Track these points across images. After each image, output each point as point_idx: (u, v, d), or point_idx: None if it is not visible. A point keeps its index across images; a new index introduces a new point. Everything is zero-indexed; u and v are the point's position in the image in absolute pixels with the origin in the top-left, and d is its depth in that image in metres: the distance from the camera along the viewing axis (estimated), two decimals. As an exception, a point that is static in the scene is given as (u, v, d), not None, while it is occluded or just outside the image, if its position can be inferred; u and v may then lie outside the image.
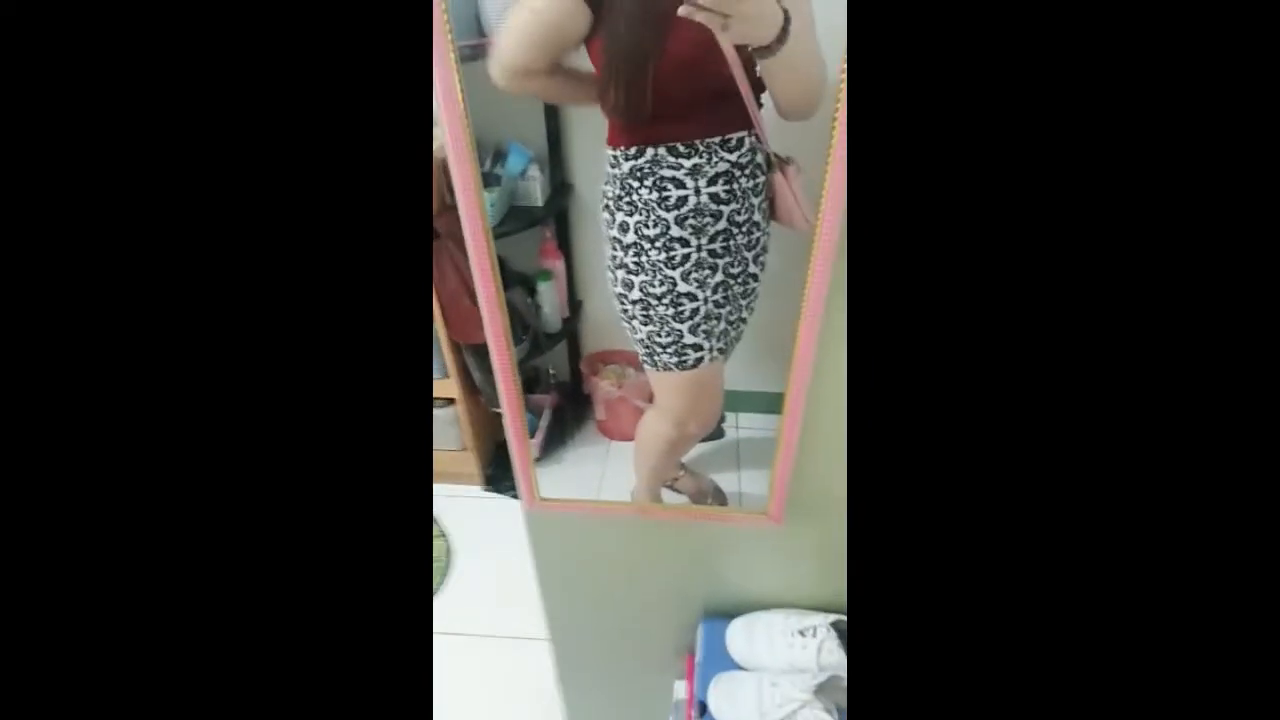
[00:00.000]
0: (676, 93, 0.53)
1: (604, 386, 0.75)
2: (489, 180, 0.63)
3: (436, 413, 1.78)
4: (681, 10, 0.44)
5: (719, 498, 0.77)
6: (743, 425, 0.71)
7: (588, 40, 0.50)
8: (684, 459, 0.76)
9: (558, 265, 0.70)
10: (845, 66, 0.45)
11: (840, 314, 0.60)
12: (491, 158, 0.63)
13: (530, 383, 0.80)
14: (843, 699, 0.78)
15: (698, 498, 0.78)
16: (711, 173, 0.56)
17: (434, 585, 1.71)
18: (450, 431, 1.83)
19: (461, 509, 1.89)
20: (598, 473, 0.79)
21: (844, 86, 0.45)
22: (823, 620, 0.83)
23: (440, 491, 1.91)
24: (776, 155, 0.56)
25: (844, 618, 0.83)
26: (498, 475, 1.93)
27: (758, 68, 0.50)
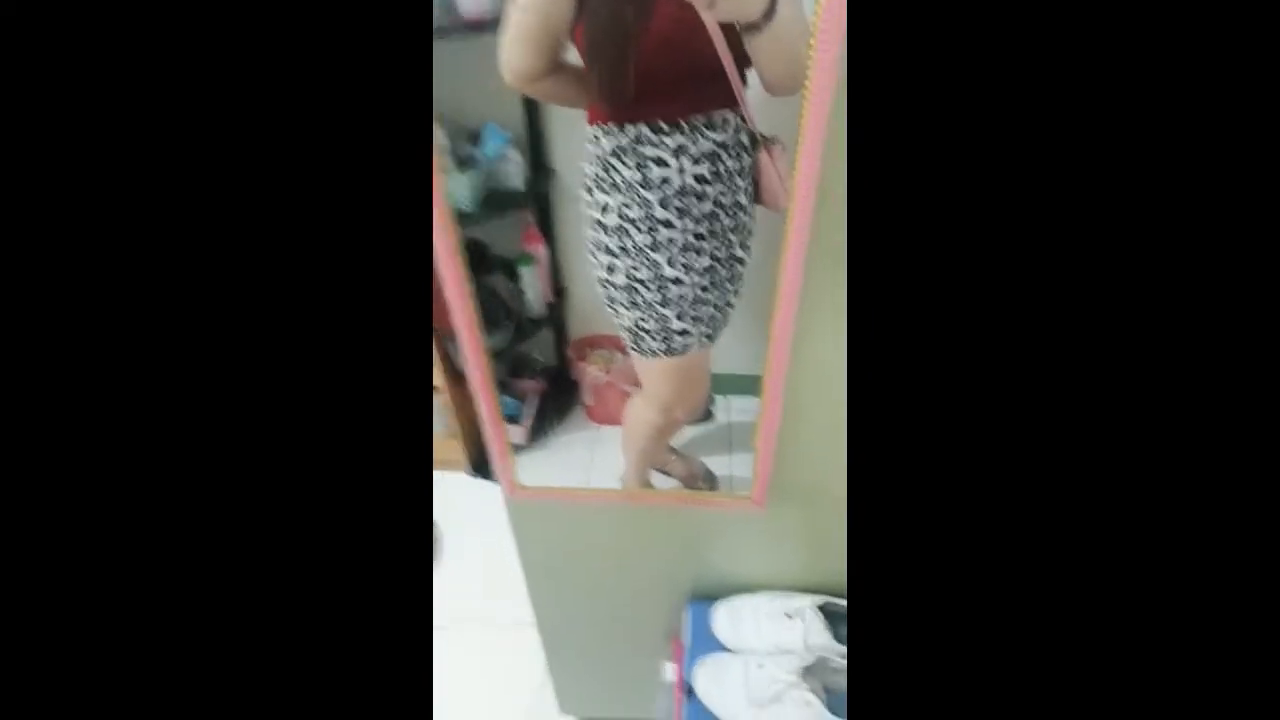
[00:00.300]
0: (660, 71, 0.51)
1: (591, 372, 0.74)
2: (465, 163, 0.61)
3: (421, 400, 1.76)
4: None
5: (710, 481, 0.77)
6: (734, 408, 0.71)
7: (574, 27, 0.49)
8: (675, 443, 0.75)
9: (540, 250, 0.68)
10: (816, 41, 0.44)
11: (817, 296, 0.59)
12: (468, 140, 0.61)
13: (516, 368, 0.79)
14: (830, 680, 0.79)
15: (689, 481, 0.78)
16: (696, 152, 0.54)
17: (423, 572, 1.71)
18: (436, 418, 1.81)
19: (448, 495, 1.88)
20: (586, 458, 0.78)
21: (814, 60, 0.44)
22: (809, 602, 0.83)
23: (427, 478, 1.90)
24: (762, 135, 0.55)
25: (831, 599, 0.84)
26: (484, 461, 1.92)
27: (744, 43, 0.48)
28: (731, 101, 0.52)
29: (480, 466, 1.94)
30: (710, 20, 0.47)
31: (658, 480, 0.78)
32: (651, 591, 0.96)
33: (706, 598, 0.91)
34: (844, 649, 0.80)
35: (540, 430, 0.79)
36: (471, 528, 1.81)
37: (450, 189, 0.55)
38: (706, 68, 0.49)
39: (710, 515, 0.83)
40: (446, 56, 0.48)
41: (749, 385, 0.65)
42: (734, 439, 0.73)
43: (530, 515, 0.88)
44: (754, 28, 0.46)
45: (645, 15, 0.48)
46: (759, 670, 0.78)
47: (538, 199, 0.65)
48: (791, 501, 0.79)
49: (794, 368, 0.64)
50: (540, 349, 0.77)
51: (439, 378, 1.72)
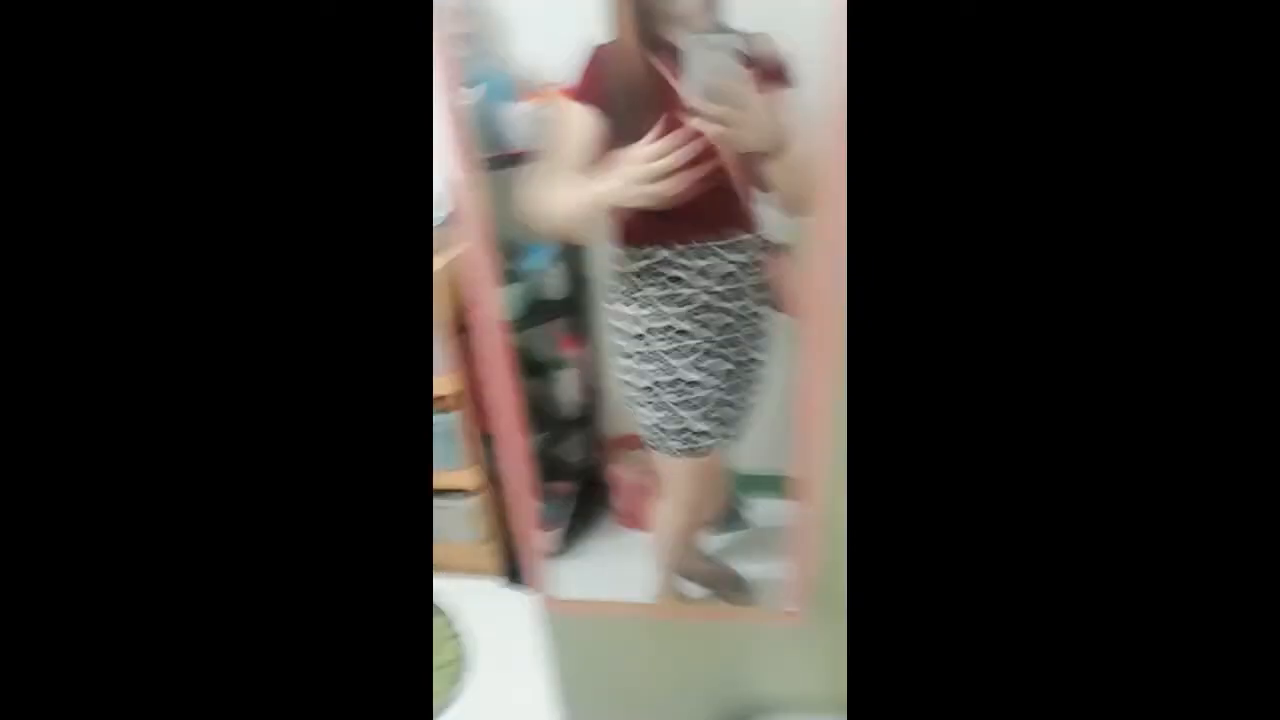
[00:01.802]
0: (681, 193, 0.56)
1: (626, 473, 0.75)
2: (511, 276, 0.66)
3: (457, 504, 1.76)
4: (693, 123, 0.48)
5: (741, 587, 0.74)
6: (763, 512, 0.70)
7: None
8: (709, 550, 0.74)
9: (577, 354, 0.72)
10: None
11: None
12: (514, 256, 0.67)
13: (551, 471, 0.79)
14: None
15: (719, 587, 0.75)
16: (716, 275, 0.58)
17: (450, 690, 1.63)
18: (471, 523, 1.80)
19: (480, 604, 1.82)
20: (616, 566, 0.77)
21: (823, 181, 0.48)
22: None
23: (458, 586, 1.86)
24: (776, 245, 0.59)
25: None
26: (517, 570, 1.88)
27: (760, 170, 0.53)
28: (748, 225, 0.57)
29: (514, 575, 1.89)
30: (726, 149, 0.52)
31: (691, 589, 0.76)
32: (688, 712, 0.89)
33: (744, 716, 0.85)
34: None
35: (572, 536, 0.78)
36: (505, 639, 1.73)
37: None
38: (723, 189, 0.54)
39: (750, 629, 0.79)
40: (497, 184, 0.54)
41: (777, 486, 0.65)
42: (766, 544, 0.72)
43: (564, 628, 0.85)
44: (770, 157, 0.51)
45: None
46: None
47: (575, 306, 0.70)
48: (834, 612, 0.75)
49: (823, 468, 0.63)
50: (573, 452, 0.78)
51: (476, 481, 1.72)
